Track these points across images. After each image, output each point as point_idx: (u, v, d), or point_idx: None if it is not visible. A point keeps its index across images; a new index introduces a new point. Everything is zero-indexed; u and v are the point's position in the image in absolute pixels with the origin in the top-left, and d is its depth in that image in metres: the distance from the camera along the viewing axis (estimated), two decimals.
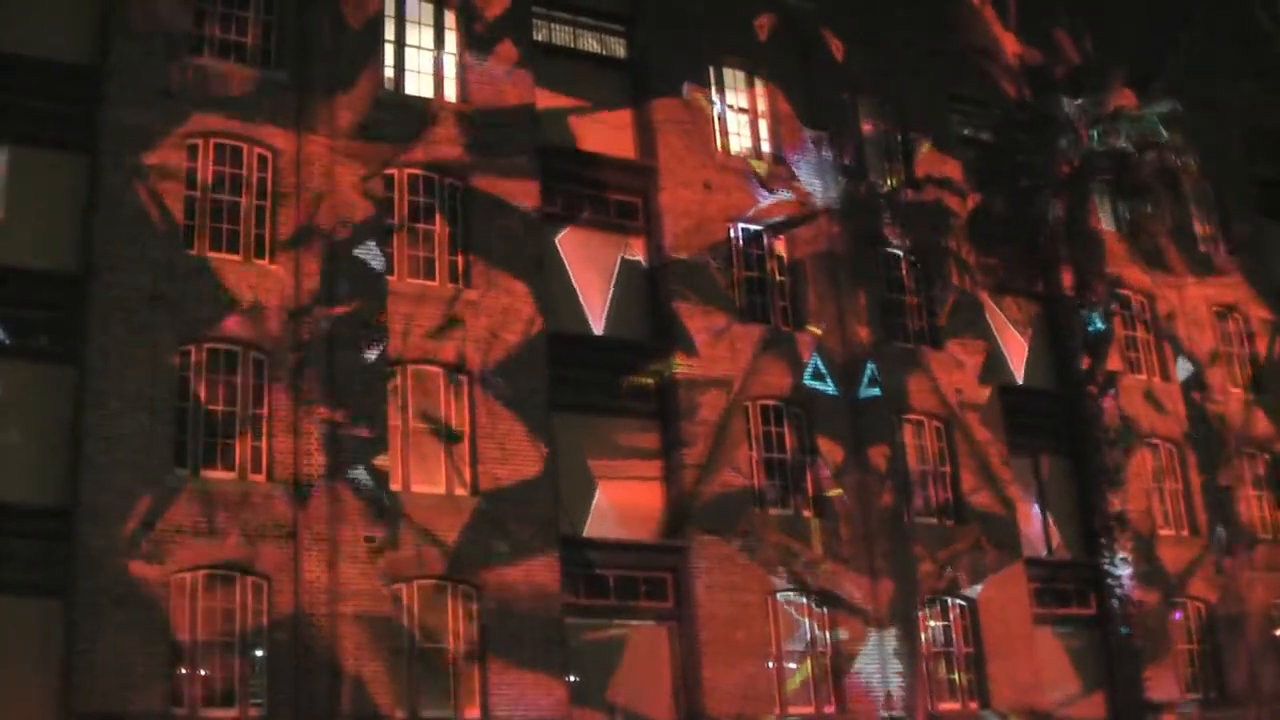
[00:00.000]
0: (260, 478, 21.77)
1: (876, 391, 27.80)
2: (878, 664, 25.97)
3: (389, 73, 25.16)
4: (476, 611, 22.73)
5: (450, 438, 23.59)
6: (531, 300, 24.77)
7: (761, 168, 28.17)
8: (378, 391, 22.89)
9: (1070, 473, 30.64)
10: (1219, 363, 33.95)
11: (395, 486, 22.71)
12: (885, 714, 25.55)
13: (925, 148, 30.68)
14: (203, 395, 21.89)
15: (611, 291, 26.53)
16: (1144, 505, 30.49)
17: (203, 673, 20.73)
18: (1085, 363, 28.04)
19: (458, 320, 23.99)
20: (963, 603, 27.62)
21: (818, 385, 27.31)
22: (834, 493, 26.74)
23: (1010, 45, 29.27)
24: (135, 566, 20.27)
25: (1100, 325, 27.61)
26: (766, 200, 28.01)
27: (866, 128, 30.48)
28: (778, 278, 27.98)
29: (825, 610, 26.06)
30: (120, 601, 20.05)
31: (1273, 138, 37.71)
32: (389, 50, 25.30)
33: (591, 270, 26.49)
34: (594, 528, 24.81)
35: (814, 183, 28.75)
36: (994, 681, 27.16)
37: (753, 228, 27.94)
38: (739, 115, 28.95)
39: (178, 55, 23.01)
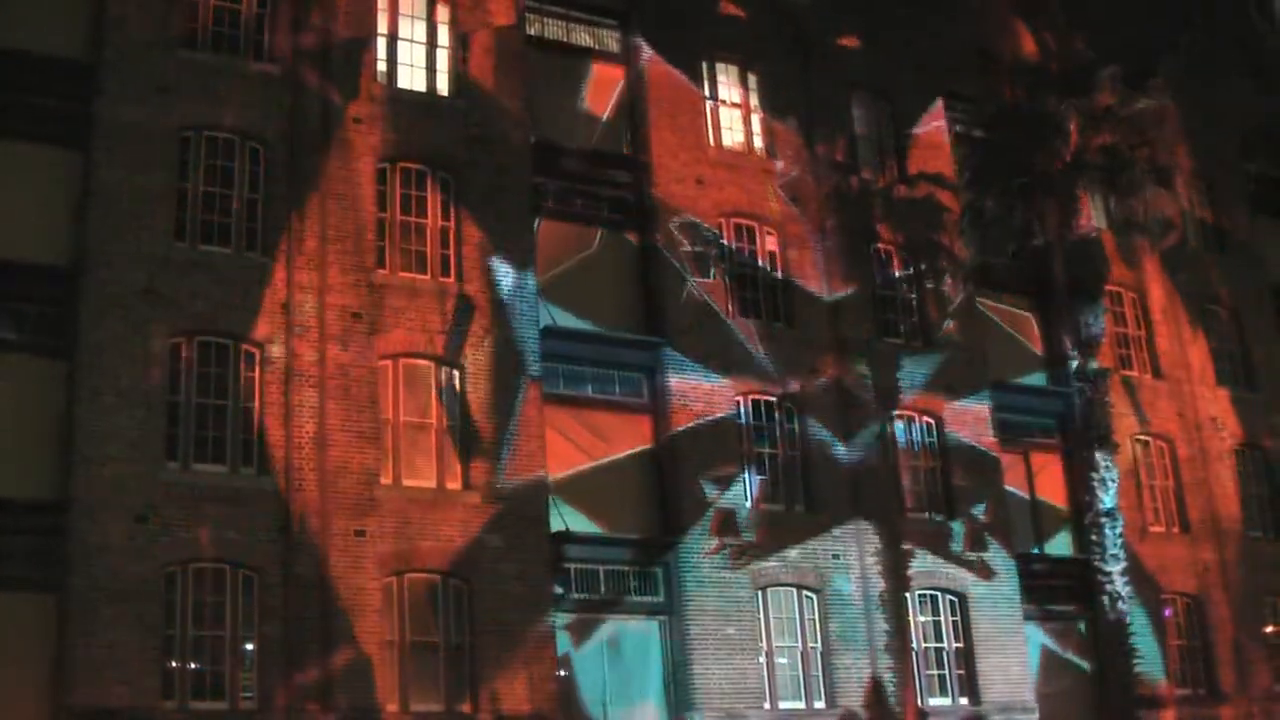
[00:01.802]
0: (251, 471, 21.84)
1: (868, 385, 27.89)
2: (868, 659, 26.06)
3: (382, 66, 25.20)
4: (468, 605, 22.80)
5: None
6: (525, 294, 24.82)
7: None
8: (369, 385, 22.95)
9: (1061, 468, 30.75)
10: (1210, 359, 34.00)
11: (386, 480, 22.78)
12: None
13: (918, 144, 30.72)
14: (195, 389, 21.94)
15: (603, 285, 26.56)
16: (1134, 501, 30.59)
17: (194, 666, 20.78)
18: (1076, 359, 28.11)
19: (451, 313, 24.05)
20: (954, 598, 27.71)
21: (809, 381, 27.36)
22: (825, 487, 26.82)
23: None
24: (128, 561, 20.33)
25: (1091, 322, 27.66)
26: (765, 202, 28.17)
27: (859, 124, 30.51)
28: (770, 272, 28.03)
29: (816, 605, 26.13)
30: (113, 596, 20.12)
31: (1268, 135, 37.76)
32: (382, 44, 25.34)
33: (583, 264, 26.53)
34: (585, 522, 24.86)
35: (806, 179, 28.84)
36: (984, 677, 27.27)
37: (744, 222, 27.99)
38: (732, 110, 28.99)
39: (171, 50, 23.06)
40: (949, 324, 29.58)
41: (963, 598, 27.70)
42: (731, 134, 28.79)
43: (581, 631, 24.27)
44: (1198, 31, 36.46)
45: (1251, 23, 38.55)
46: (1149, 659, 28.58)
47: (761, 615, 25.59)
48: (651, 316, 26.48)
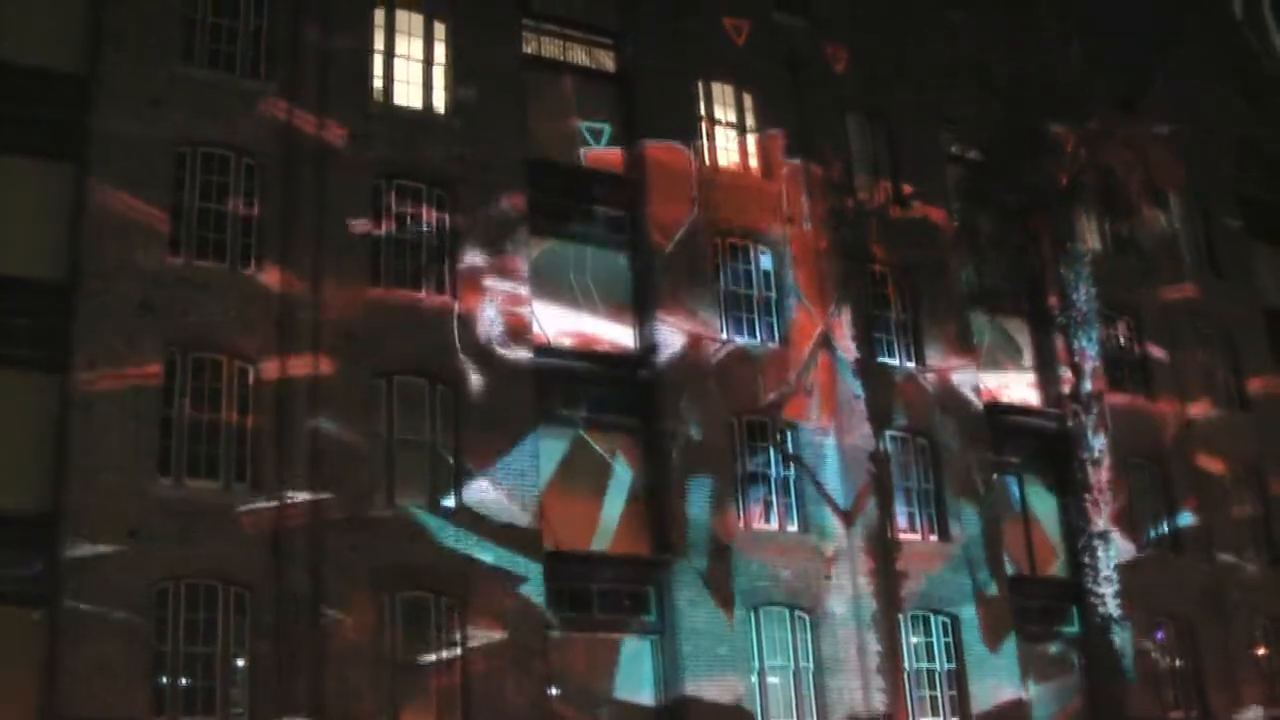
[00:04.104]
0: (244, 487, 21.77)
1: (861, 405, 27.86)
2: (860, 680, 25.99)
3: (378, 83, 25.21)
4: (459, 622, 22.74)
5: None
6: (519, 313, 24.81)
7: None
8: (363, 402, 22.91)
9: (1054, 490, 30.76)
10: (1204, 382, 34.01)
11: (379, 497, 22.72)
12: None
13: (914, 165, 30.75)
14: (188, 404, 21.89)
15: (597, 305, 26.55)
16: (1127, 523, 30.54)
17: (185, 681, 20.69)
18: (1070, 380, 28.11)
19: (444, 332, 24.02)
20: (946, 619, 27.65)
21: (802, 400, 27.35)
22: (819, 507, 26.79)
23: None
24: (119, 575, 20.23)
25: (1085, 343, 27.69)
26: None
27: (855, 144, 30.54)
28: (762, 293, 28.03)
29: (808, 625, 26.08)
30: (104, 610, 20.02)
31: (1261, 157, 37.85)
32: (379, 61, 25.36)
33: (577, 283, 26.52)
34: (578, 540, 24.81)
35: (801, 199, 28.86)
36: (976, 699, 27.19)
37: (739, 243, 28.00)
38: (727, 130, 29.02)
39: (167, 64, 23.06)
40: (943, 344, 29.55)
41: (955, 619, 27.64)
42: (727, 154, 28.82)
43: (573, 649, 24.18)
44: (1190, 50, 36.64)
45: (1245, 43, 38.69)
46: (1140, 681, 28.54)
47: (754, 635, 25.53)
48: (646, 335, 26.44)
